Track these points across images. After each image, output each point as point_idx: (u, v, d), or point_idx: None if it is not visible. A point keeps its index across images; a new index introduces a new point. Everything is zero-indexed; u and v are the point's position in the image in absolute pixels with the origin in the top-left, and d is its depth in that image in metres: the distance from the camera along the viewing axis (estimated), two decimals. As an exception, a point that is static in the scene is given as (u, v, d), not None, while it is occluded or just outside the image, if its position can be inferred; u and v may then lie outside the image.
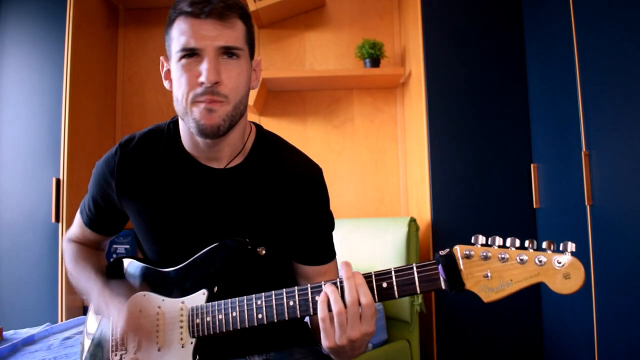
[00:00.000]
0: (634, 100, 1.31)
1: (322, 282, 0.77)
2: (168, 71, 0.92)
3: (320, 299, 0.75)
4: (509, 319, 1.87)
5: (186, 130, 0.94)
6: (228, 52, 0.85)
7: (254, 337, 0.97)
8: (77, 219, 1.11)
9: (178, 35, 0.84)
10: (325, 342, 0.75)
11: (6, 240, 1.96)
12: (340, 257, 1.08)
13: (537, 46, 1.88)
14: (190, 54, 0.84)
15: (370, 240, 1.89)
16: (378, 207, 2.40)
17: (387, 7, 2.48)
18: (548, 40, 1.78)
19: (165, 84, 0.94)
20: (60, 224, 1.93)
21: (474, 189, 1.91)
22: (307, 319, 1.10)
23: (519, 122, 1.93)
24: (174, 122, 1.01)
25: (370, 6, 2.47)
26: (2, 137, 2.01)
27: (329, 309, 0.74)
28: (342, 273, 0.75)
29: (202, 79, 0.82)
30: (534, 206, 1.85)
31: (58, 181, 1.94)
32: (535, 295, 1.87)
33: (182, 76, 0.84)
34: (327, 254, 1.02)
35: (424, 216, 1.99)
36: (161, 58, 0.94)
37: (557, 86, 1.71)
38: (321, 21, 2.48)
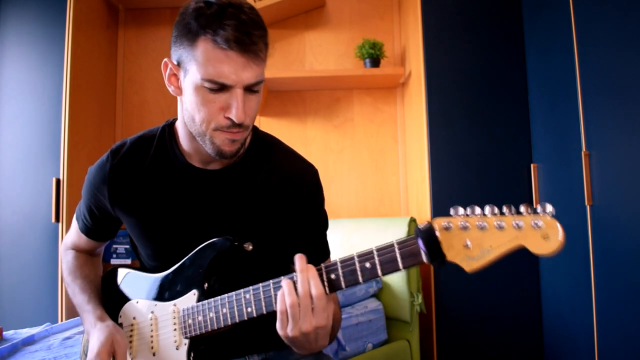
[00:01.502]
0: (634, 100, 1.31)
1: (322, 265, 0.77)
2: (174, 76, 0.88)
3: (279, 292, 0.76)
4: (508, 319, 1.87)
5: (187, 134, 0.93)
6: (254, 87, 0.85)
7: (252, 336, 0.97)
8: (74, 224, 1.11)
9: (206, 59, 0.79)
10: (279, 332, 0.77)
11: (6, 240, 1.96)
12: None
13: (537, 46, 1.88)
14: (218, 87, 0.81)
15: (370, 240, 1.89)
16: (378, 207, 2.40)
17: (387, 7, 2.47)
18: (548, 40, 1.78)
19: (170, 88, 0.90)
20: (60, 224, 1.93)
21: (474, 189, 1.91)
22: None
23: (519, 122, 1.93)
24: (169, 126, 1.00)
25: (370, 6, 2.47)
26: (2, 137, 2.01)
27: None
28: (296, 266, 0.76)
29: (232, 116, 0.82)
30: (534, 206, 1.85)
31: (58, 181, 1.94)
32: (535, 294, 1.87)
33: (205, 105, 0.83)
34: (321, 253, 1.02)
35: (424, 216, 1.98)
36: (166, 60, 0.88)
37: (557, 86, 1.71)
38: (321, 21, 2.48)
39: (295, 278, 0.77)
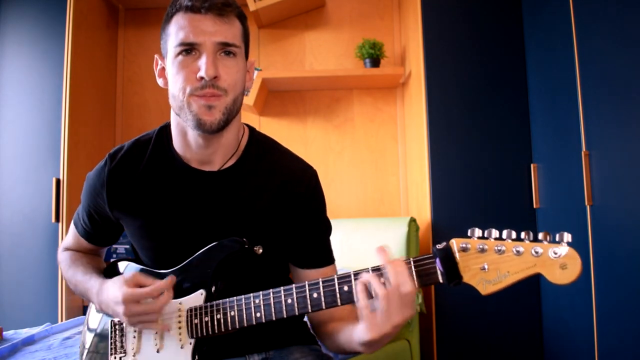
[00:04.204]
0: (634, 100, 1.31)
1: (334, 276, 0.76)
2: (162, 69, 0.92)
3: (359, 287, 0.72)
4: (509, 319, 1.87)
5: (179, 132, 0.94)
6: (226, 48, 0.85)
7: (253, 335, 0.97)
8: (72, 229, 1.10)
9: (176, 30, 0.84)
10: (367, 334, 0.73)
11: (6, 240, 1.96)
12: (340, 258, 1.08)
13: (537, 46, 1.88)
14: (188, 49, 0.84)
15: (370, 240, 1.89)
16: (378, 207, 2.40)
17: (387, 7, 2.48)
18: (548, 40, 1.78)
19: (159, 81, 0.94)
20: (60, 224, 1.93)
21: (474, 189, 1.91)
22: (306, 318, 1.10)
23: (519, 122, 1.93)
24: (165, 127, 1.00)
25: (370, 6, 2.47)
26: (2, 137, 2.01)
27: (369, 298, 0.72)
28: (381, 258, 0.72)
29: (202, 73, 0.82)
30: (534, 206, 1.85)
31: (58, 181, 1.94)
32: (535, 295, 1.86)
33: (179, 72, 0.84)
34: (323, 256, 1.01)
35: (424, 216, 1.98)
36: (155, 56, 0.94)
37: (557, 86, 1.71)
38: (321, 21, 2.48)
39: (374, 270, 0.73)
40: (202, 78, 0.83)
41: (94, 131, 2.22)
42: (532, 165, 1.87)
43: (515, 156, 1.91)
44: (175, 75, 0.85)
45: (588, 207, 1.48)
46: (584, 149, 1.50)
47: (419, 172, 2.11)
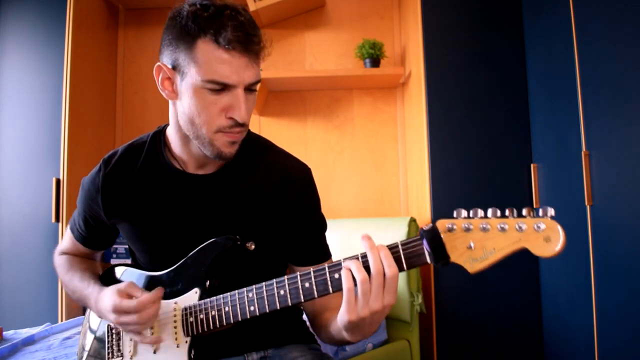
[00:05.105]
0: (634, 100, 1.31)
1: (325, 265, 0.77)
2: (168, 80, 0.87)
3: (343, 272, 0.74)
4: (509, 319, 1.87)
5: (180, 138, 0.93)
6: (252, 86, 0.86)
7: (251, 334, 0.97)
8: (68, 234, 1.11)
9: (207, 61, 0.80)
10: (345, 316, 0.74)
11: (6, 240, 1.96)
12: (340, 258, 1.08)
13: (537, 46, 1.88)
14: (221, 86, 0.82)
15: (370, 240, 1.88)
16: (378, 207, 2.40)
17: (387, 7, 2.48)
18: (548, 40, 1.78)
19: (164, 93, 0.89)
20: (60, 224, 1.93)
21: (474, 189, 1.91)
22: (305, 317, 1.10)
23: (519, 122, 1.93)
24: (158, 133, 1.00)
25: (370, 6, 2.47)
26: (2, 137, 2.01)
27: (354, 281, 0.73)
28: (365, 244, 0.74)
29: (236, 117, 0.83)
30: (534, 206, 1.85)
31: (58, 181, 1.94)
32: (535, 294, 1.86)
33: (207, 107, 0.83)
34: (319, 253, 1.02)
35: (424, 216, 1.98)
36: (159, 64, 0.87)
37: (557, 86, 1.71)
38: (321, 21, 2.48)
39: (360, 255, 0.74)
40: (232, 118, 0.83)
41: (94, 131, 2.22)
42: (532, 165, 1.87)
43: (515, 156, 1.91)
44: (199, 107, 0.83)
45: (588, 207, 1.48)
46: (584, 149, 1.50)
47: (419, 172, 2.11)
